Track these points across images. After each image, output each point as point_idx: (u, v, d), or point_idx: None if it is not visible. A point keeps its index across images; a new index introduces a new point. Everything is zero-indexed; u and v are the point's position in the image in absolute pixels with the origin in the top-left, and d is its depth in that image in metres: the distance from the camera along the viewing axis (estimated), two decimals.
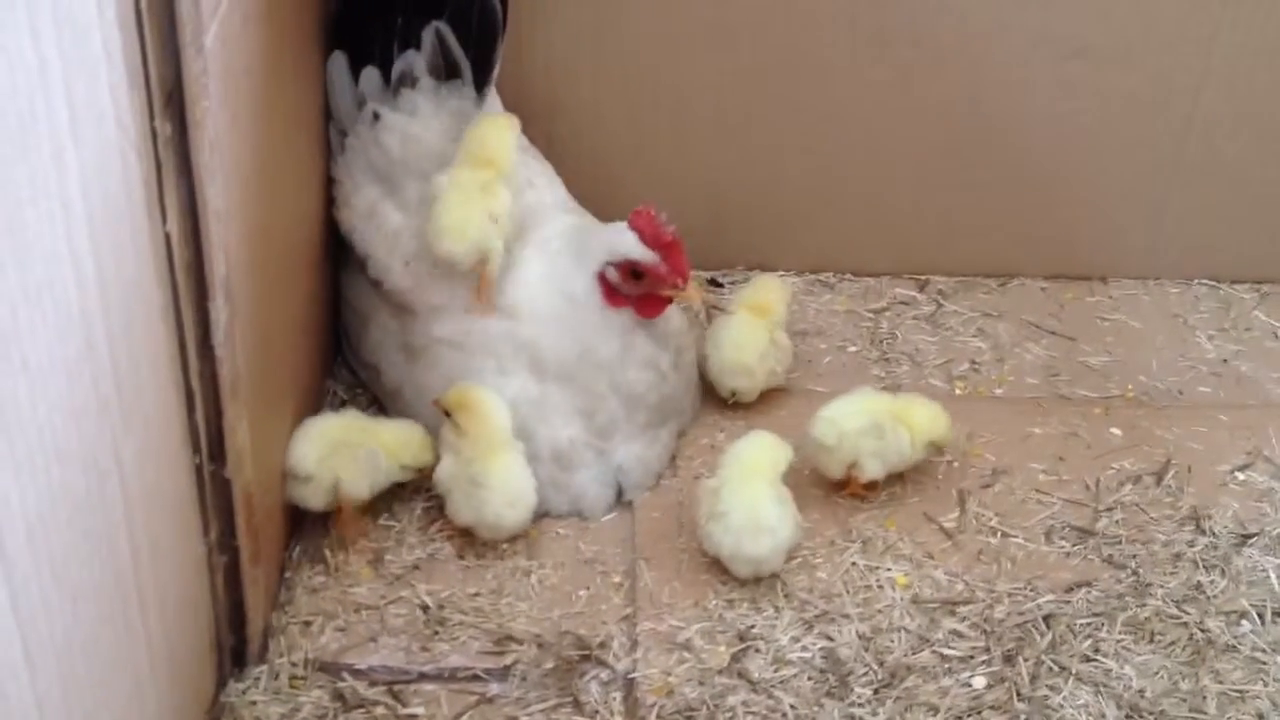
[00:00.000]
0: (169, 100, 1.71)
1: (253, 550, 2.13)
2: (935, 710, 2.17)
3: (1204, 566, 2.41)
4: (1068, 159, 2.92)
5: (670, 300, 2.44)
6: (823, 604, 2.33)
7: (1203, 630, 2.30)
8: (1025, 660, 2.24)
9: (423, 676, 2.22)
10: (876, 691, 2.20)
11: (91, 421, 1.58)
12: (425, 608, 2.32)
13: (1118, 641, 2.28)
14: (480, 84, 2.55)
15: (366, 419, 2.47)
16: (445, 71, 2.55)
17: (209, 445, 1.97)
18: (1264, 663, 2.25)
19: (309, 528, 2.42)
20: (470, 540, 2.42)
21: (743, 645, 2.26)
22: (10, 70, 1.33)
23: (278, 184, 2.26)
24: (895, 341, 2.90)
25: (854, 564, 2.40)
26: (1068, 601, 2.34)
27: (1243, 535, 2.46)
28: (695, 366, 2.68)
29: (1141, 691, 2.20)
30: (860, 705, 2.18)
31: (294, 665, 2.22)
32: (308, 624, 2.29)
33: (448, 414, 2.39)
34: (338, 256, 2.69)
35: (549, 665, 2.23)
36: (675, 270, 2.40)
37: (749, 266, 3.01)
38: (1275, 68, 2.82)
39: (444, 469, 2.39)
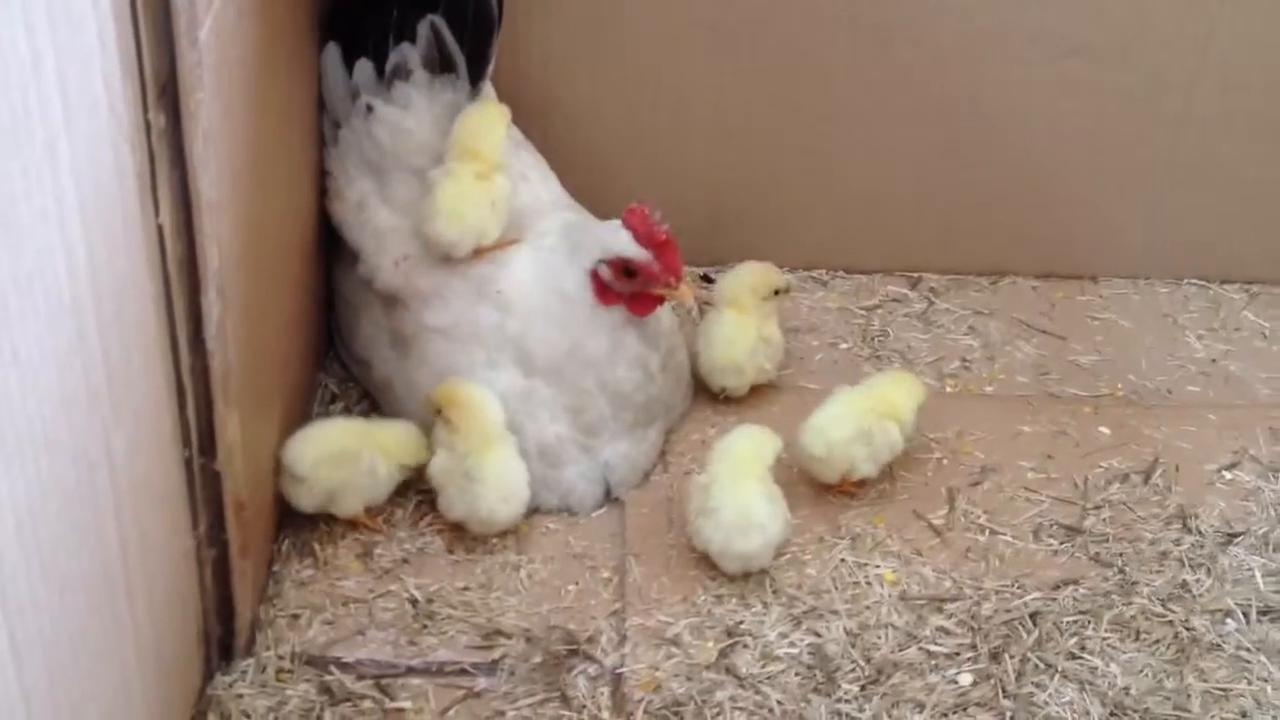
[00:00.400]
0: (163, 92, 1.71)
1: (241, 543, 2.13)
2: (921, 707, 2.18)
3: (1190, 565, 2.41)
4: (1060, 158, 2.93)
5: (663, 299, 2.44)
6: (811, 600, 2.34)
7: (1188, 629, 2.30)
8: (1011, 657, 2.25)
9: (410, 670, 2.23)
10: (863, 688, 2.20)
11: (82, 413, 1.58)
12: (414, 601, 2.32)
13: (1103, 639, 2.28)
14: (475, 79, 2.55)
15: (364, 423, 2.47)
16: (440, 65, 2.55)
17: (199, 438, 1.97)
18: (1248, 661, 2.26)
19: (298, 521, 2.42)
20: (459, 534, 2.42)
21: (731, 641, 2.27)
22: (4, 60, 1.33)
23: (271, 177, 2.26)
24: (887, 339, 2.90)
25: (842, 560, 2.41)
26: (1054, 599, 2.35)
27: (1229, 534, 2.47)
28: (686, 365, 2.68)
29: (1126, 689, 2.21)
30: (847, 701, 2.18)
31: (281, 658, 2.22)
32: (295, 617, 2.29)
33: (438, 411, 2.39)
34: (330, 250, 2.69)
35: (537, 660, 2.24)
36: (668, 269, 2.39)
37: (743, 262, 3.01)
38: (1269, 68, 2.83)
39: (437, 464, 2.39)
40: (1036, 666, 2.24)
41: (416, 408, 2.48)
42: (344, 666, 2.22)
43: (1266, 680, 2.23)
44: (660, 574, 2.38)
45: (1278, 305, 3.03)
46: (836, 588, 2.36)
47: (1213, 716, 2.18)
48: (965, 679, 2.22)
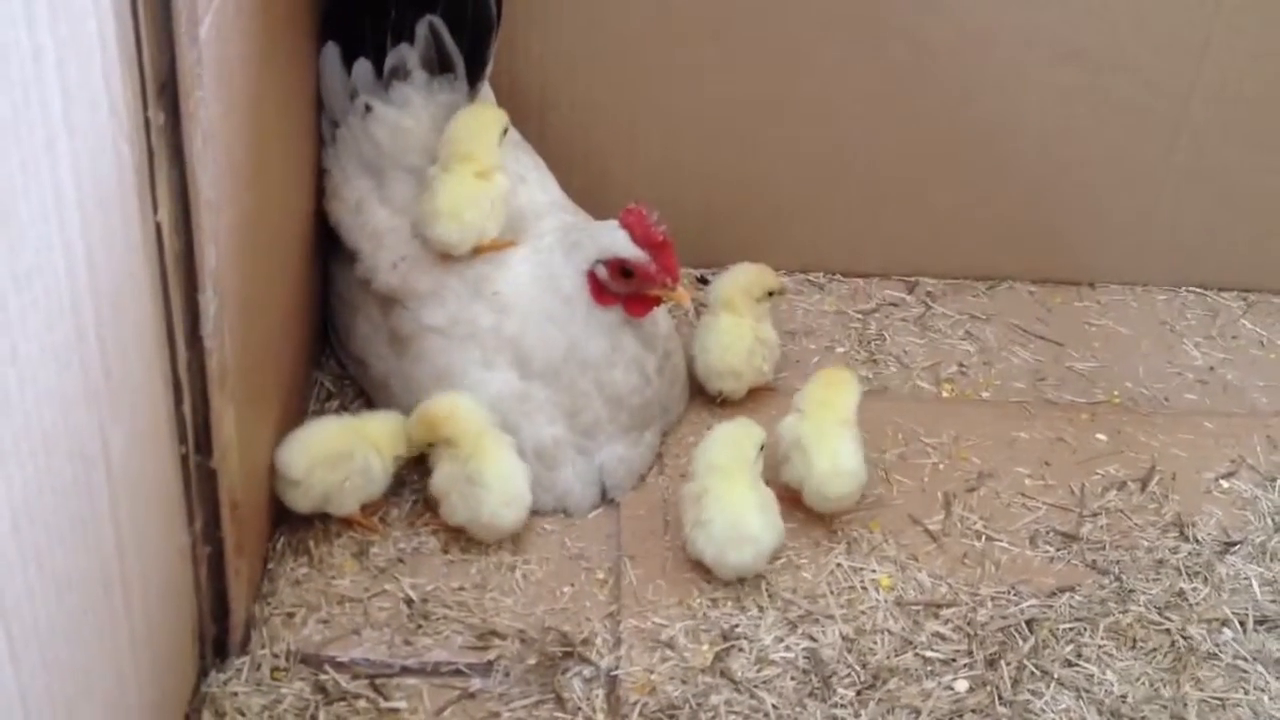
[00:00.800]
0: (162, 90, 1.70)
1: (236, 541, 2.12)
2: (917, 713, 2.17)
3: (1187, 573, 2.41)
4: (1058, 163, 2.93)
5: (659, 300, 2.43)
6: (807, 604, 2.33)
7: (1185, 637, 2.30)
8: (1007, 664, 2.25)
9: (405, 670, 2.22)
10: (859, 693, 2.20)
11: (79, 410, 1.57)
12: (409, 601, 2.31)
13: (1100, 647, 2.28)
14: (473, 79, 2.54)
15: (354, 420, 2.45)
16: (438, 65, 2.55)
17: (195, 436, 1.96)
18: (1245, 671, 2.26)
19: (293, 520, 2.41)
20: (455, 535, 2.42)
21: (726, 644, 2.26)
22: (4, 56, 1.32)
23: (269, 175, 2.25)
24: (883, 343, 2.90)
25: (838, 565, 2.40)
26: (1050, 606, 2.34)
27: (1226, 543, 2.47)
28: (683, 369, 2.67)
29: (1123, 697, 2.21)
30: (842, 707, 2.18)
31: (276, 657, 2.21)
32: (290, 615, 2.28)
33: (429, 445, 2.39)
34: (326, 248, 2.68)
35: (532, 661, 2.23)
36: (665, 270, 2.39)
37: (736, 264, 3.01)
38: (1266, 76, 2.83)
39: (441, 475, 2.38)
40: (1033, 674, 2.24)
41: (414, 406, 2.47)
42: (339, 666, 2.21)
43: (1263, 690, 2.23)
44: (656, 576, 2.38)
45: (1275, 313, 3.04)
46: (832, 592, 2.36)
47: None
48: (961, 685, 2.22)
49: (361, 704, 2.16)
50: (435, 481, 2.39)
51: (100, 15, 1.52)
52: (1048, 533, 2.48)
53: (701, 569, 2.37)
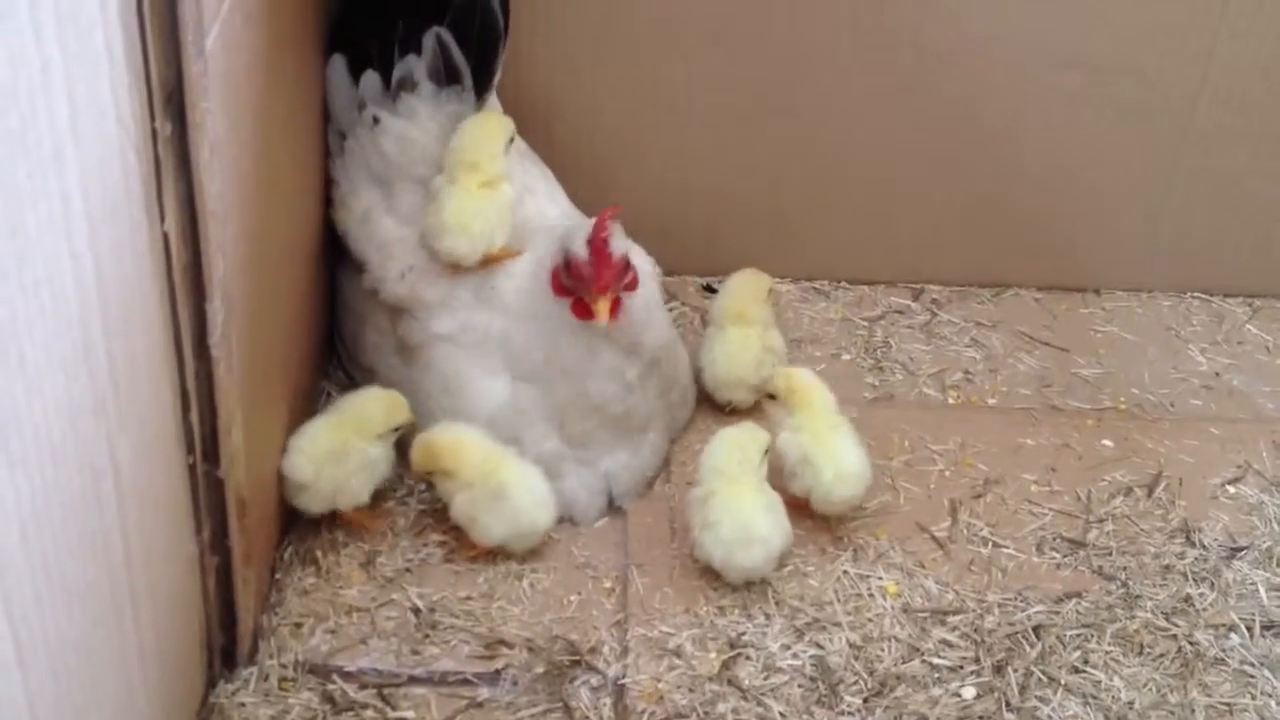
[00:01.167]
0: (169, 100, 1.71)
1: (244, 551, 2.13)
2: None
3: (1194, 579, 2.41)
4: (1063, 170, 2.93)
5: (595, 313, 2.31)
6: (813, 612, 2.33)
7: (1192, 643, 2.30)
8: (1015, 671, 2.24)
9: (413, 680, 2.22)
10: (866, 700, 2.20)
11: (87, 420, 1.58)
12: (416, 611, 2.32)
13: (1107, 653, 2.28)
14: (480, 91, 2.55)
15: (340, 410, 2.43)
16: (445, 77, 2.55)
17: (203, 445, 1.97)
18: (1252, 676, 2.26)
19: (301, 529, 2.42)
20: (462, 543, 2.42)
21: (733, 652, 2.26)
22: (12, 67, 1.33)
23: (276, 185, 2.26)
24: (889, 350, 2.90)
25: (845, 572, 2.40)
26: (1058, 612, 2.34)
27: (1232, 548, 2.47)
28: (683, 377, 2.65)
29: (1130, 703, 2.21)
30: (850, 714, 2.18)
31: (284, 667, 2.21)
32: (298, 625, 2.28)
33: (429, 473, 2.39)
34: (334, 257, 2.69)
35: (539, 670, 2.23)
36: (593, 279, 2.30)
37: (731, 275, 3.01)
38: (1271, 81, 2.83)
39: (460, 503, 2.37)
40: (1040, 680, 2.23)
41: (423, 416, 2.47)
42: (346, 675, 2.22)
43: (1270, 695, 2.22)
44: (663, 584, 2.38)
45: None
46: (839, 600, 2.36)
47: None
48: (968, 692, 2.22)
49: (369, 714, 2.16)
50: (456, 511, 2.38)
51: (107, 27, 1.53)
52: (1054, 539, 2.48)
53: (709, 576, 2.37)
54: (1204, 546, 2.47)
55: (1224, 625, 2.34)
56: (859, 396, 2.77)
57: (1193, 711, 2.20)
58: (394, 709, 2.17)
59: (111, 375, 1.63)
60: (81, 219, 1.51)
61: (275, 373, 2.34)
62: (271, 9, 2.14)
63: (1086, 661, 2.27)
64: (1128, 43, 2.78)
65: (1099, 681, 2.24)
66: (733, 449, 2.38)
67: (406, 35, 2.54)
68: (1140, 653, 2.29)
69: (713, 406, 2.71)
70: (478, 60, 2.53)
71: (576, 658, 2.25)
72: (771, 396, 2.52)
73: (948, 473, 2.61)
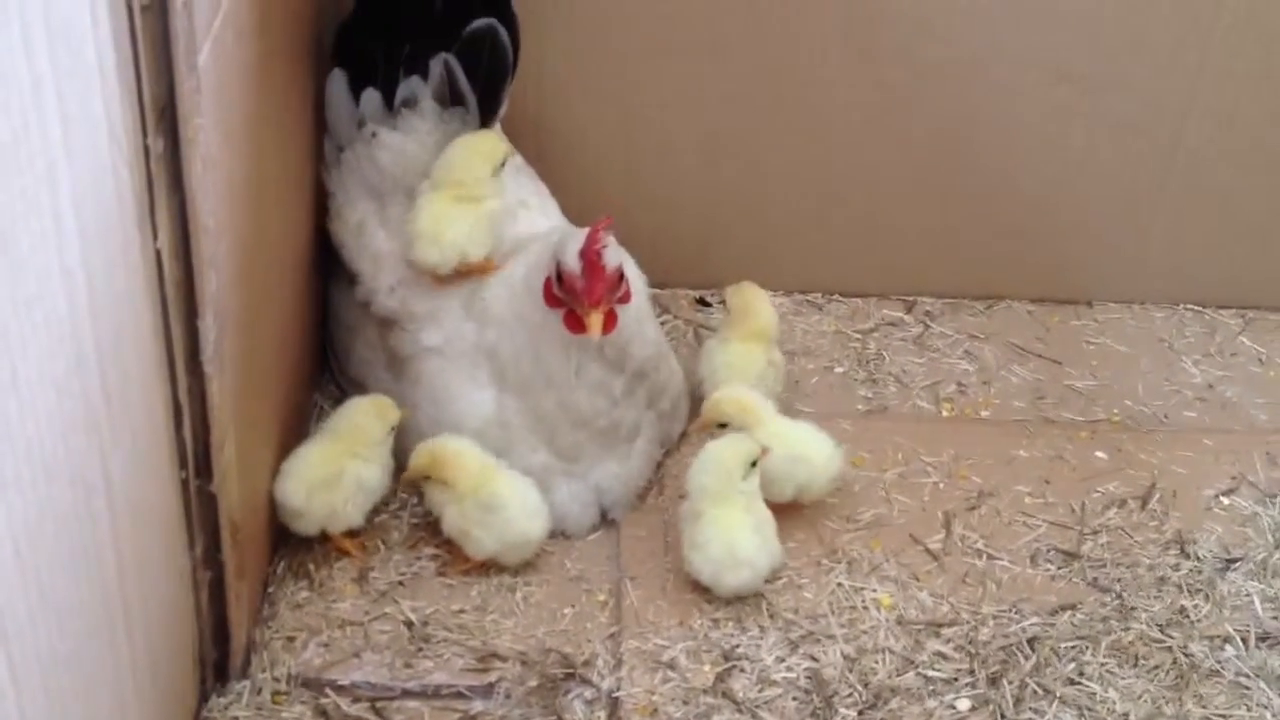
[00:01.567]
0: (162, 116, 1.71)
1: (237, 565, 2.12)
2: None
3: (1188, 591, 2.41)
4: (1055, 182, 2.94)
5: (588, 326, 2.30)
6: (808, 624, 2.33)
7: (1187, 655, 2.30)
8: (1009, 683, 2.24)
9: (406, 693, 2.22)
10: (861, 713, 2.20)
11: (80, 437, 1.58)
12: (409, 624, 2.31)
13: (1102, 665, 2.28)
14: (485, 122, 2.55)
15: (333, 430, 2.43)
16: (450, 101, 2.55)
17: (195, 460, 1.96)
18: (1247, 688, 2.26)
19: (294, 543, 2.42)
20: (454, 557, 2.41)
21: (728, 665, 2.26)
22: (4, 84, 1.33)
23: (268, 200, 2.26)
24: (882, 363, 2.90)
25: (839, 584, 2.40)
26: (1052, 624, 2.34)
27: (1227, 560, 2.47)
28: (674, 388, 2.64)
29: (1125, 715, 2.21)
30: None
31: (277, 680, 2.21)
32: (291, 639, 2.28)
33: (425, 478, 2.38)
34: (325, 270, 2.69)
35: (533, 683, 2.23)
36: (586, 291, 2.28)
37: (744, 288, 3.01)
38: (1261, 94, 2.84)
39: (451, 516, 2.37)
40: (1035, 692, 2.23)
41: (411, 428, 2.47)
42: (340, 689, 2.21)
43: (1266, 707, 2.22)
44: (656, 597, 2.38)
45: (1273, 330, 3.04)
46: (833, 612, 2.36)
47: None
48: (963, 704, 2.22)
49: None
50: (447, 525, 2.38)
51: (99, 43, 1.53)
52: (1048, 551, 2.48)
53: (702, 589, 2.37)
54: (1198, 558, 2.48)
55: (1219, 637, 2.34)
56: (852, 409, 2.78)
57: None
58: None
59: (104, 391, 1.63)
60: (74, 235, 1.51)
61: (268, 387, 2.34)
62: (264, 24, 2.14)
63: (1081, 673, 2.27)
64: (1118, 57, 2.79)
65: (1094, 694, 2.24)
66: (718, 468, 2.37)
67: (412, 57, 2.54)
68: (1135, 664, 2.29)
69: None
70: (484, 91, 2.53)
71: (570, 671, 2.25)
72: (722, 426, 2.49)
73: (941, 485, 2.61)
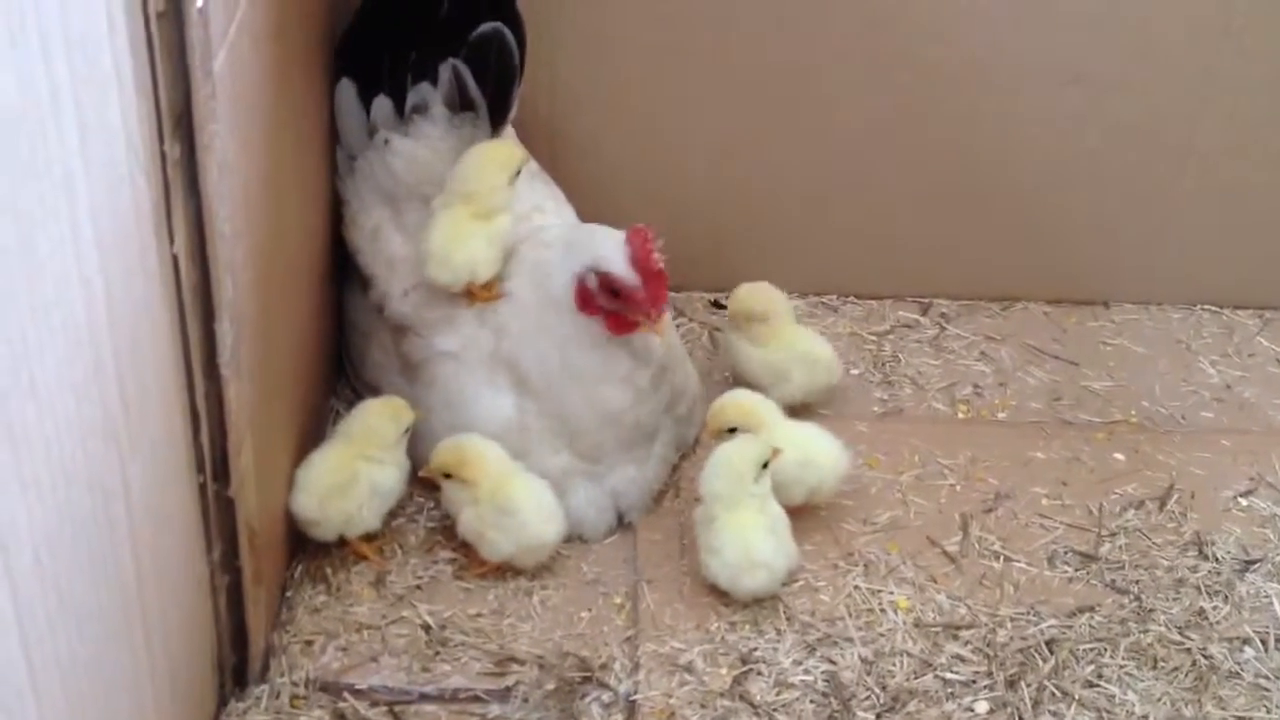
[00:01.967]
0: (178, 123, 1.71)
1: (255, 569, 2.13)
2: None
3: (1207, 592, 2.41)
4: (1070, 183, 2.93)
5: (638, 325, 2.36)
6: (825, 627, 2.33)
7: (1206, 656, 2.30)
8: (1028, 685, 2.24)
9: (424, 697, 2.22)
10: (879, 716, 2.19)
11: (98, 442, 1.58)
12: (427, 628, 2.32)
13: (1120, 667, 2.28)
14: (496, 125, 2.55)
15: (345, 437, 2.42)
16: (460, 106, 2.56)
17: (213, 465, 1.97)
18: (1267, 689, 2.25)
19: (312, 547, 2.42)
20: (471, 560, 2.42)
21: (745, 668, 2.26)
22: (22, 92, 1.34)
23: (284, 205, 2.27)
24: (898, 365, 2.90)
25: (856, 587, 2.40)
26: (1070, 626, 2.34)
27: (1246, 561, 2.47)
28: (691, 386, 2.64)
29: (1144, 718, 2.20)
30: None
31: (295, 685, 2.22)
32: (309, 643, 2.29)
33: (447, 475, 2.38)
34: (341, 276, 2.70)
35: (550, 686, 2.23)
36: (651, 300, 2.32)
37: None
38: (1276, 93, 2.83)
39: (467, 518, 2.37)
40: (1053, 694, 2.23)
41: (427, 432, 2.47)
42: (357, 693, 2.22)
43: None
44: (673, 600, 2.38)
45: None
46: (851, 615, 2.36)
47: None
48: (981, 707, 2.21)
49: None
50: (463, 527, 2.38)
51: (116, 51, 1.53)
52: (1066, 553, 2.48)
53: (719, 592, 2.37)
54: (1217, 559, 2.47)
55: (1238, 638, 2.33)
56: (868, 411, 2.77)
57: None
58: None
59: (122, 397, 1.63)
60: (91, 242, 1.51)
61: (285, 392, 2.35)
62: (279, 30, 2.15)
63: (1100, 676, 2.26)
64: (1131, 58, 2.78)
65: (1113, 696, 2.23)
66: (728, 471, 2.36)
67: (420, 64, 2.55)
68: (1154, 667, 2.28)
69: None
70: (493, 96, 2.53)
71: (587, 674, 2.25)
72: (731, 430, 2.49)
73: (958, 487, 2.60)
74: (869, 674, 2.25)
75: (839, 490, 2.52)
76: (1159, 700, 2.23)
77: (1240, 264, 3.03)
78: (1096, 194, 2.94)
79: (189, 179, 1.76)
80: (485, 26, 2.50)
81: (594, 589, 2.41)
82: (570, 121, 2.84)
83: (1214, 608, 2.38)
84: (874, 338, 2.97)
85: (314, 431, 2.57)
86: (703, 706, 2.20)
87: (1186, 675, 2.27)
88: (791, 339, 2.71)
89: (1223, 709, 2.22)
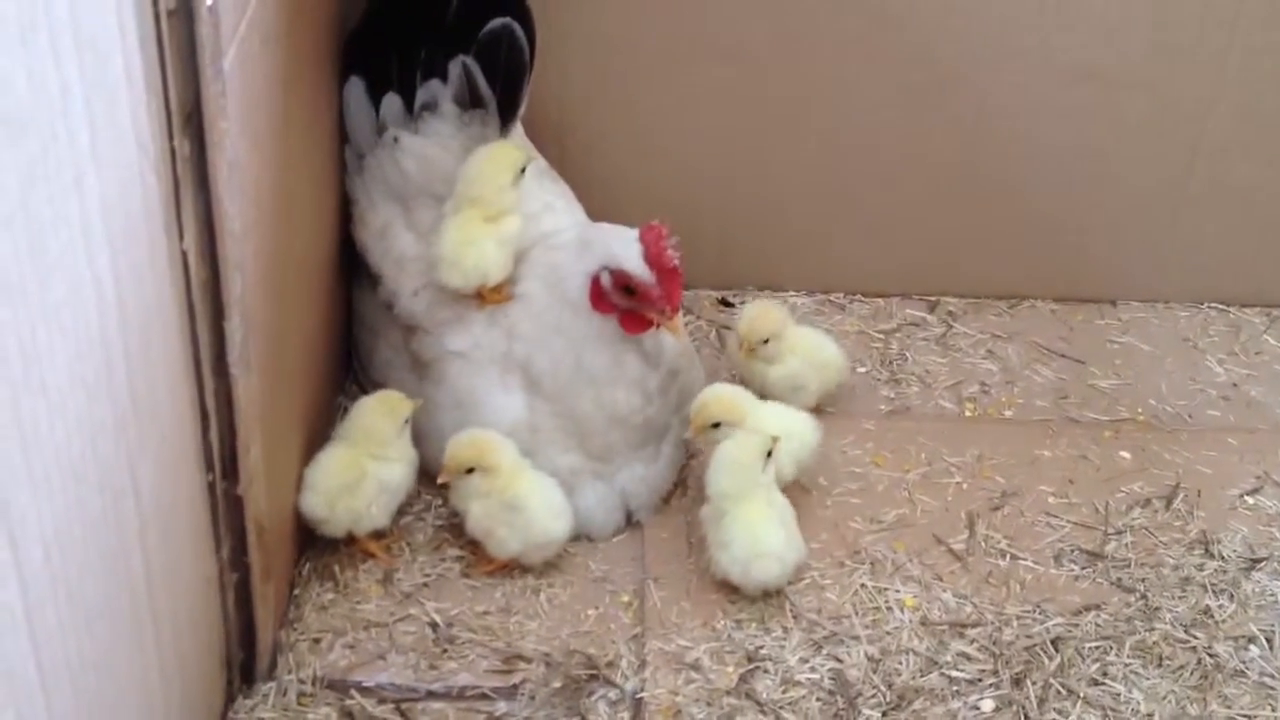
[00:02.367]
0: (188, 121, 1.72)
1: (263, 567, 2.14)
2: None
3: (1213, 591, 2.41)
4: (1077, 181, 2.93)
5: (655, 323, 2.38)
6: (831, 625, 2.33)
7: (1211, 655, 2.30)
8: (1033, 683, 2.24)
9: (431, 695, 2.23)
10: (885, 714, 2.20)
11: (108, 441, 1.59)
12: (434, 626, 2.32)
13: (1126, 665, 2.28)
14: (505, 121, 2.55)
15: (349, 436, 2.42)
16: (470, 103, 2.56)
17: (222, 463, 1.98)
18: (1272, 688, 2.25)
19: (320, 545, 2.43)
20: (478, 557, 2.42)
21: (751, 666, 2.27)
22: (33, 92, 1.34)
23: (294, 203, 2.27)
24: (905, 363, 2.90)
25: (863, 585, 2.40)
26: (1076, 625, 2.34)
27: (1252, 559, 2.47)
28: (698, 387, 2.64)
29: (1150, 716, 2.20)
30: None
31: (302, 682, 2.23)
32: (317, 641, 2.29)
33: (469, 470, 2.37)
34: (350, 273, 2.70)
35: (557, 684, 2.24)
36: (667, 297, 2.33)
37: (759, 287, 3.02)
38: None
39: (475, 514, 2.37)
40: (1059, 692, 2.23)
41: (436, 430, 2.48)
42: (365, 690, 2.22)
43: None
44: (680, 598, 2.38)
45: None
46: (857, 613, 2.36)
47: None
48: (987, 705, 2.21)
49: None
50: (472, 523, 2.39)
51: (126, 50, 1.54)
52: (1072, 551, 2.48)
53: (726, 590, 2.37)
54: (1223, 558, 2.47)
55: (1244, 637, 2.33)
56: (875, 409, 2.78)
57: None
58: None
59: (131, 395, 1.64)
60: (102, 241, 1.52)
61: (294, 389, 2.35)
62: (289, 29, 2.15)
63: (1105, 674, 2.27)
64: (1139, 56, 2.78)
65: (1118, 694, 2.23)
66: (737, 467, 2.37)
67: (430, 61, 2.55)
68: (1159, 665, 2.28)
69: None
70: (503, 92, 2.54)
71: (594, 672, 2.26)
72: (715, 425, 2.48)
73: (965, 485, 2.61)
74: (875, 672, 2.26)
75: (845, 489, 2.53)
76: (1164, 698, 2.23)
77: (1247, 263, 3.03)
78: (1104, 192, 2.94)
79: (199, 177, 1.77)
80: (495, 22, 2.51)
81: (601, 587, 2.42)
82: (579, 121, 2.84)
83: (1220, 606, 2.38)
84: (881, 336, 2.97)
85: (323, 429, 2.57)
86: (709, 704, 2.21)
87: (1192, 673, 2.27)
88: (802, 348, 2.70)
89: (1228, 707, 2.22)
